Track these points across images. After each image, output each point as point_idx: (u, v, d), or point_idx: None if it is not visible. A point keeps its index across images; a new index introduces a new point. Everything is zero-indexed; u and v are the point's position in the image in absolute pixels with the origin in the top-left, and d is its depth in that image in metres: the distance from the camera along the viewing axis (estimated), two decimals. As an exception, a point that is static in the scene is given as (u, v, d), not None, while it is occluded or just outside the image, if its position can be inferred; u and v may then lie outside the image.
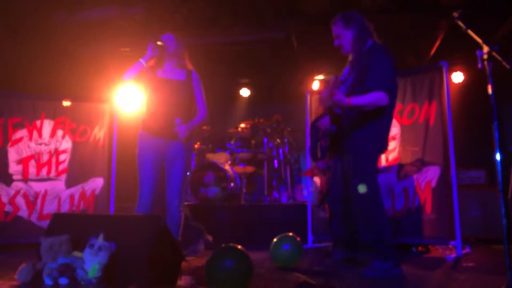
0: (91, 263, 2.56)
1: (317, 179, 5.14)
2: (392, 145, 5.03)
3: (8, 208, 5.51)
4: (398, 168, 4.95)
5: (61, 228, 2.84)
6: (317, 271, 3.49)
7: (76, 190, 5.99)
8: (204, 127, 7.09)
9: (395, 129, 5.02)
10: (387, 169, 5.05)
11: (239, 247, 2.63)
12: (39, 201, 5.85)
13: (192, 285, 2.80)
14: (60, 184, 5.98)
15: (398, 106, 4.96)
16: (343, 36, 3.34)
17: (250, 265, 2.57)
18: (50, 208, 5.84)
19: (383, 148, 3.39)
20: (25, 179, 5.82)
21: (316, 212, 5.59)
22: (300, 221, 5.64)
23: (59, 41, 6.48)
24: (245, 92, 8.30)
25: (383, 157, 5.11)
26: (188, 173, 4.35)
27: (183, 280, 2.86)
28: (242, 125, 7.11)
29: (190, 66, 3.66)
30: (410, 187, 4.80)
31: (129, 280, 2.58)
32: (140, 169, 3.45)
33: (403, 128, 5.00)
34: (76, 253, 2.67)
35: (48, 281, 2.55)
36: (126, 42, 6.91)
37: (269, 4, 5.97)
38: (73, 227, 2.87)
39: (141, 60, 3.45)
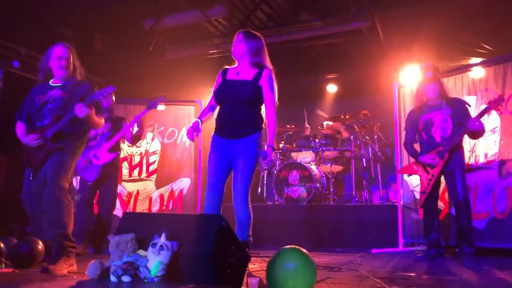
0: (154, 262, 2.56)
1: (417, 177, 4.64)
2: (492, 139, 4.50)
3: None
4: (499, 164, 4.42)
5: (130, 227, 2.87)
6: (399, 276, 3.18)
7: (165, 190, 6.23)
8: (288, 126, 6.97)
9: (494, 122, 4.49)
10: (486, 166, 4.53)
11: (302, 249, 2.46)
12: (132, 200, 6.16)
13: (259, 286, 2.67)
14: (150, 184, 6.25)
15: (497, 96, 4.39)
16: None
17: (312, 268, 2.39)
18: (142, 207, 6.12)
19: None
20: (120, 179, 6.16)
21: (408, 213, 5.21)
22: (391, 223, 5.30)
23: (147, 47, 6.77)
24: (332, 88, 8.01)
25: (481, 153, 4.60)
26: None
27: (249, 281, 2.74)
28: (328, 123, 6.88)
29: (267, 64, 3.47)
30: (514, 186, 4.25)
31: (192, 279, 2.53)
32: (208, 171, 3.42)
33: (504, 119, 4.45)
34: (141, 252, 2.68)
35: (113, 278, 2.58)
36: (212, 45, 6.99)
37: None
38: (141, 225, 2.89)
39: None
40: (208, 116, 3.51)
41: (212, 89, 3.49)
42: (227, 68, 3.51)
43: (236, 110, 3.34)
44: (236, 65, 3.49)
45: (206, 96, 6.12)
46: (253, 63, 3.40)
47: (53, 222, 3.24)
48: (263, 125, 3.42)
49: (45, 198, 3.25)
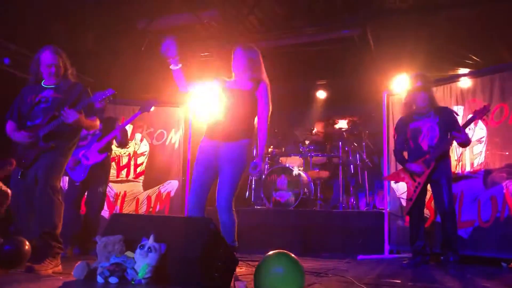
0: (142, 264, 2.55)
1: (403, 185, 4.69)
2: (478, 149, 4.57)
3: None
4: (484, 174, 4.48)
5: (118, 228, 2.87)
6: (385, 283, 3.21)
7: (153, 192, 6.19)
8: (276, 131, 6.99)
9: (481, 132, 4.56)
10: (472, 175, 4.59)
11: (291, 254, 2.48)
12: (118, 201, 6.12)
13: (245, 290, 2.67)
14: (138, 186, 6.22)
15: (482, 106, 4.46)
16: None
17: (301, 274, 2.40)
18: (129, 209, 6.07)
19: None
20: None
21: (394, 220, 5.25)
22: (377, 230, 5.33)
23: (139, 47, 6.75)
24: (321, 94, 8.06)
25: (468, 162, 4.66)
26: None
27: (237, 285, 2.74)
28: (316, 128, 6.92)
29: (264, 78, 3.51)
30: (498, 195, 4.31)
31: (180, 282, 2.53)
32: (194, 172, 3.43)
33: (490, 130, 4.51)
34: (129, 253, 2.68)
35: (100, 280, 2.57)
36: (205, 47, 6.99)
37: (343, 1, 5.77)
38: (129, 227, 2.89)
39: (171, 67, 3.40)
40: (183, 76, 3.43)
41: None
42: (225, 79, 3.56)
43: (230, 116, 3.40)
44: (233, 78, 3.55)
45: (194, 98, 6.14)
46: (251, 78, 3.48)
47: (43, 221, 3.21)
48: (253, 134, 3.47)
49: (36, 197, 3.23)
